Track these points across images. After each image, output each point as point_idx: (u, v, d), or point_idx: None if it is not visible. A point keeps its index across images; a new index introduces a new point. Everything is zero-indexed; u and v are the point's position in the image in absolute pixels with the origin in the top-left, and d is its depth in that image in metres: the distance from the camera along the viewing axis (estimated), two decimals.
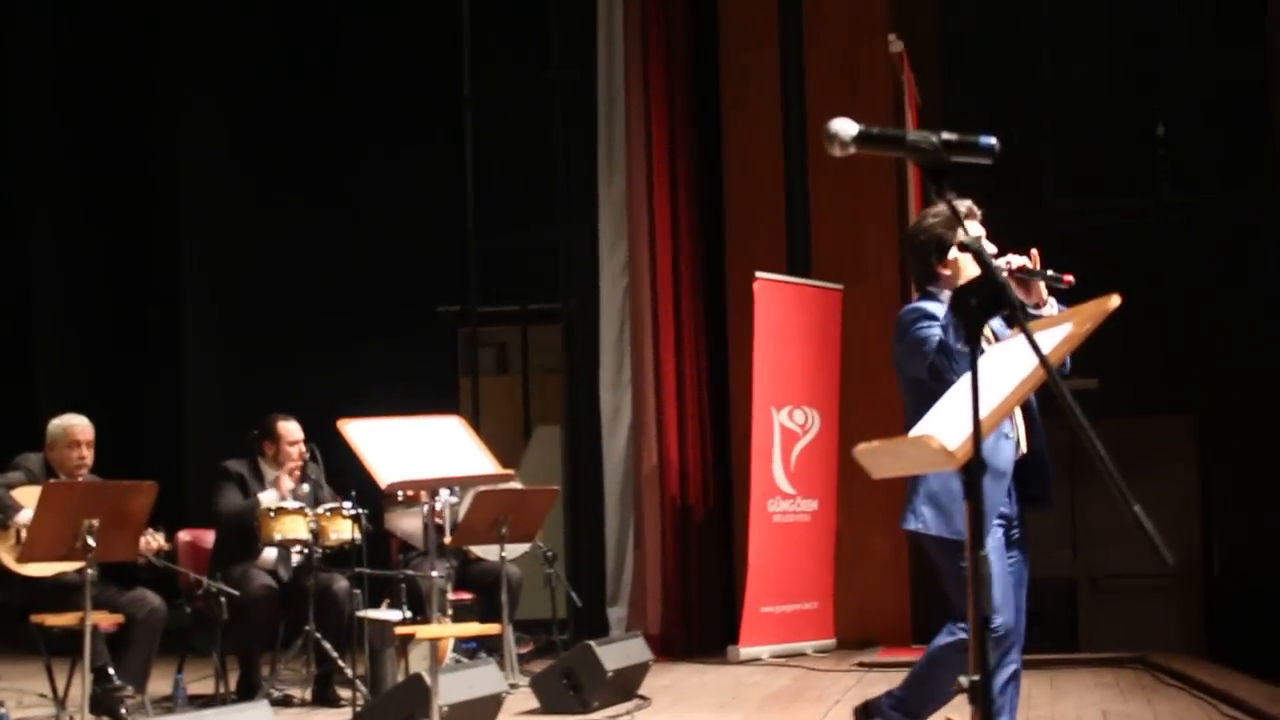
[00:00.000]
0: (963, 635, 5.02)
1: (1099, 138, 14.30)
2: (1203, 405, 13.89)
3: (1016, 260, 4.85)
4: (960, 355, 4.63)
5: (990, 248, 4.74)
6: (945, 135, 2.88)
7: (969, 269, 4.88)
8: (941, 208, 4.91)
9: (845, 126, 2.94)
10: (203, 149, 13.76)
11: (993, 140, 2.92)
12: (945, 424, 3.15)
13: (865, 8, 11.47)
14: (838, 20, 11.46)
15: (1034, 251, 4.89)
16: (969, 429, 2.90)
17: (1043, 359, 2.75)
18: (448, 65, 12.77)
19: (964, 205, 4.90)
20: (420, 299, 13.85)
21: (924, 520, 5.03)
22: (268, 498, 8.51)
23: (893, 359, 5.17)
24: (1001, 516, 5.01)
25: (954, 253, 4.98)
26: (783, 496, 10.65)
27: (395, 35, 13.47)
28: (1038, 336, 3.20)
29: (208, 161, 13.76)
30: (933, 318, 4.95)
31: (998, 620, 4.79)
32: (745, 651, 10.38)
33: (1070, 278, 4.80)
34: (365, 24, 13.37)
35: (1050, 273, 4.83)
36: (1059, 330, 3.20)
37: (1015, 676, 5.12)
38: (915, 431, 3.30)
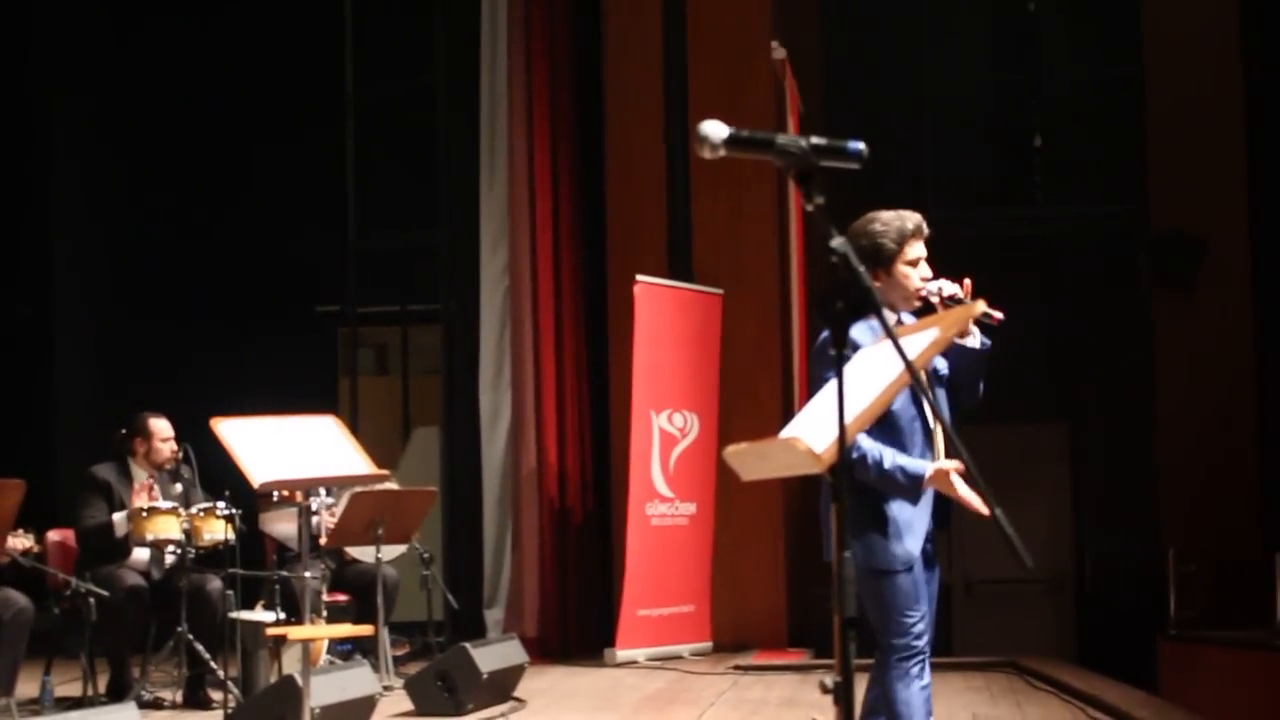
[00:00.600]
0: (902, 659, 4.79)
1: (978, 148, 14.49)
2: (1076, 415, 14.12)
3: (949, 288, 4.83)
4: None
5: (926, 271, 4.88)
6: (814, 139, 2.91)
7: (902, 286, 4.86)
8: (890, 217, 4.90)
9: (716, 129, 2.96)
10: (76, 146, 13.56)
11: (861, 145, 2.95)
12: (812, 427, 3.18)
13: (748, 16, 11.54)
14: (721, 27, 11.51)
15: (967, 282, 4.86)
16: (835, 432, 2.93)
17: (908, 364, 2.79)
18: (330, 64, 12.68)
19: (913, 220, 4.90)
20: (300, 299, 13.75)
21: (858, 550, 4.60)
22: (120, 520, 8.41)
23: (810, 372, 4.85)
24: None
25: (902, 267, 4.86)
26: (661, 500, 10.68)
27: (277, 33, 13.35)
28: (905, 341, 3.25)
29: (81, 159, 13.56)
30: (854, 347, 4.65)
31: (924, 638, 4.78)
32: (622, 654, 10.41)
33: (1000, 315, 4.72)
34: (246, 21, 13.23)
35: (982, 307, 4.59)
36: (925, 335, 3.24)
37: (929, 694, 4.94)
38: (784, 434, 3.33)
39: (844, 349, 2.81)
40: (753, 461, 3.40)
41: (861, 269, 2.76)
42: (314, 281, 13.56)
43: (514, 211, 11.24)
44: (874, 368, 3.23)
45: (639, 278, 10.55)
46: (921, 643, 4.78)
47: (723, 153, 2.96)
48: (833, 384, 2.97)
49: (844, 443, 2.74)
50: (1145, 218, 13.45)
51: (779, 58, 11.03)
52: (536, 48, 11.28)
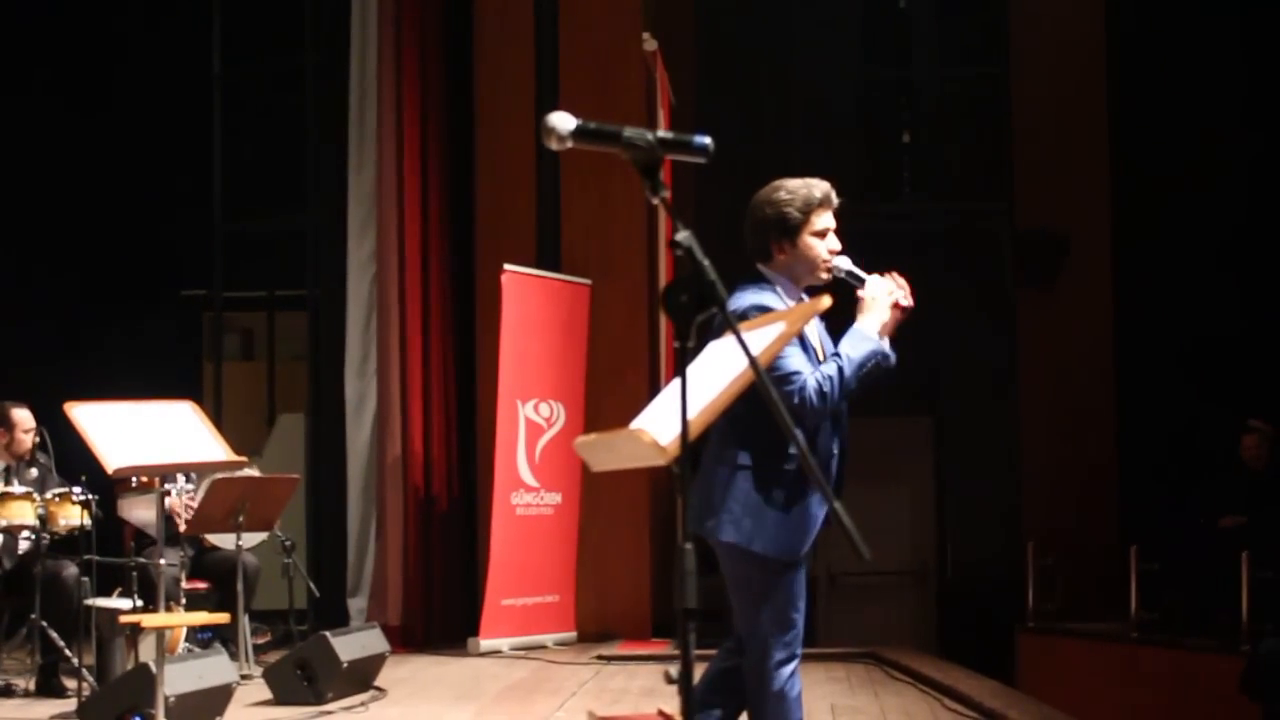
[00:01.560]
0: (778, 655, 4.61)
1: (848, 143, 14.64)
2: (939, 408, 14.31)
3: (846, 264, 4.68)
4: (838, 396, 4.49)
5: (835, 243, 4.68)
6: (660, 133, 2.94)
7: (808, 258, 4.64)
8: (796, 185, 4.69)
9: (562, 120, 2.98)
10: None
11: (707, 140, 2.98)
12: (659, 419, 3.21)
13: (620, 6, 11.56)
14: (594, 17, 11.54)
15: (898, 280, 4.70)
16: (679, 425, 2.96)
17: (752, 359, 2.82)
18: (197, 42, 12.52)
19: (821, 189, 4.69)
20: (165, 281, 13.59)
21: (743, 532, 4.52)
22: None
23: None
24: None
25: (808, 239, 4.64)
26: (526, 489, 10.69)
27: (145, 9, 13.19)
28: (751, 335, 3.29)
29: None
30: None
31: (798, 636, 4.63)
32: (485, 644, 10.40)
33: (908, 302, 4.68)
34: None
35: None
36: (771, 329, 3.28)
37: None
38: (634, 425, 3.35)
39: (686, 340, 2.84)
40: (601, 452, 3.43)
41: (706, 262, 2.79)
42: (179, 264, 13.41)
43: (382, 196, 11.19)
44: (722, 361, 3.26)
45: (507, 266, 10.55)
46: (799, 647, 4.65)
47: (569, 144, 2.98)
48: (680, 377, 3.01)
49: (686, 438, 2.77)
50: (1010, 215, 13.67)
51: (650, 49, 11.07)
52: (408, 31, 11.22)
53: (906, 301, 4.67)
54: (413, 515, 11.03)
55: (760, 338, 3.25)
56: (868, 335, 4.57)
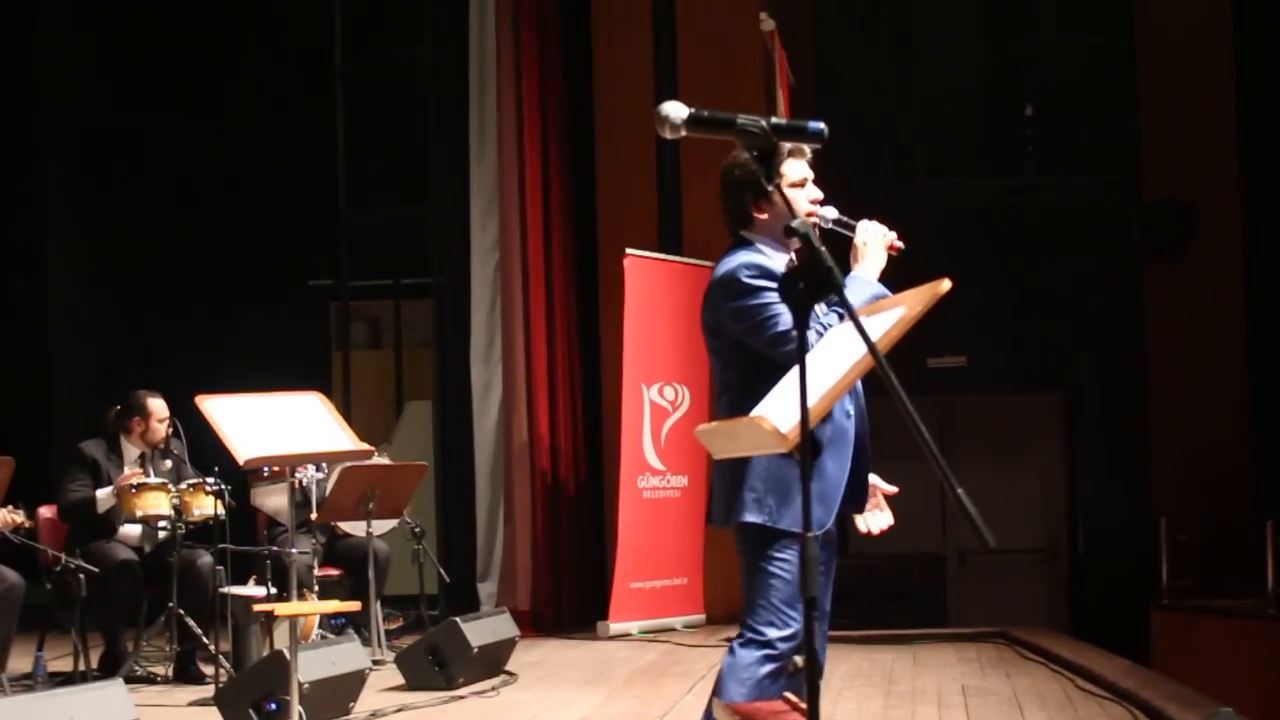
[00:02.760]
0: (770, 648, 4.34)
1: (970, 119, 14.50)
2: (1069, 383, 14.15)
3: (832, 212, 4.44)
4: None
5: (816, 192, 4.46)
6: (775, 119, 2.93)
7: (789, 213, 4.28)
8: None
9: (675, 109, 2.99)
10: (70, 116, 13.56)
11: (821, 125, 2.97)
12: (779, 406, 3.21)
13: None
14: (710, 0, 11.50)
15: (893, 236, 4.42)
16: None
17: (871, 346, 2.81)
18: (319, 35, 12.66)
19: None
20: (292, 272, 13.77)
21: (767, 510, 4.33)
22: (103, 496, 8.43)
23: (710, 318, 4.48)
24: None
25: (791, 192, 4.37)
26: (653, 473, 10.71)
27: (266, 5, 13.37)
28: (872, 320, 3.28)
29: (76, 135, 13.56)
30: (773, 278, 4.29)
31: (797, 641, 4.27)
32: (615, 627, 10.45)
33: (900, 244, 4.43)
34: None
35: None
36: (891, 314, 3.26)
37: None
38: (755, 413, 3.35)
39: (805, 329, 2.83)
40: (722, 440, 3.44)
41: (822, 249, 2.78)
42: (306, 255, 13.58)
43: (503, 184, 11.25)
44: (840, 346, 3.25)
45: (629, 251, 10.57)
46: (792, 645, 4.26)
47: (684, 133, 2.99)
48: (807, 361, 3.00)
49: (806, 425, 2.77)
50: (1138, 186, 13.48)
51: (768, 29, 11.01)
52: (525, 19, 11.27)
53: (899, 243, 4.42)
54: (540, 500, 11.09)
55: (880, 323, 3.23)
56: (868, 280, 4.32)
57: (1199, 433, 12.95)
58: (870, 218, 4.47)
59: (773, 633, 4.33)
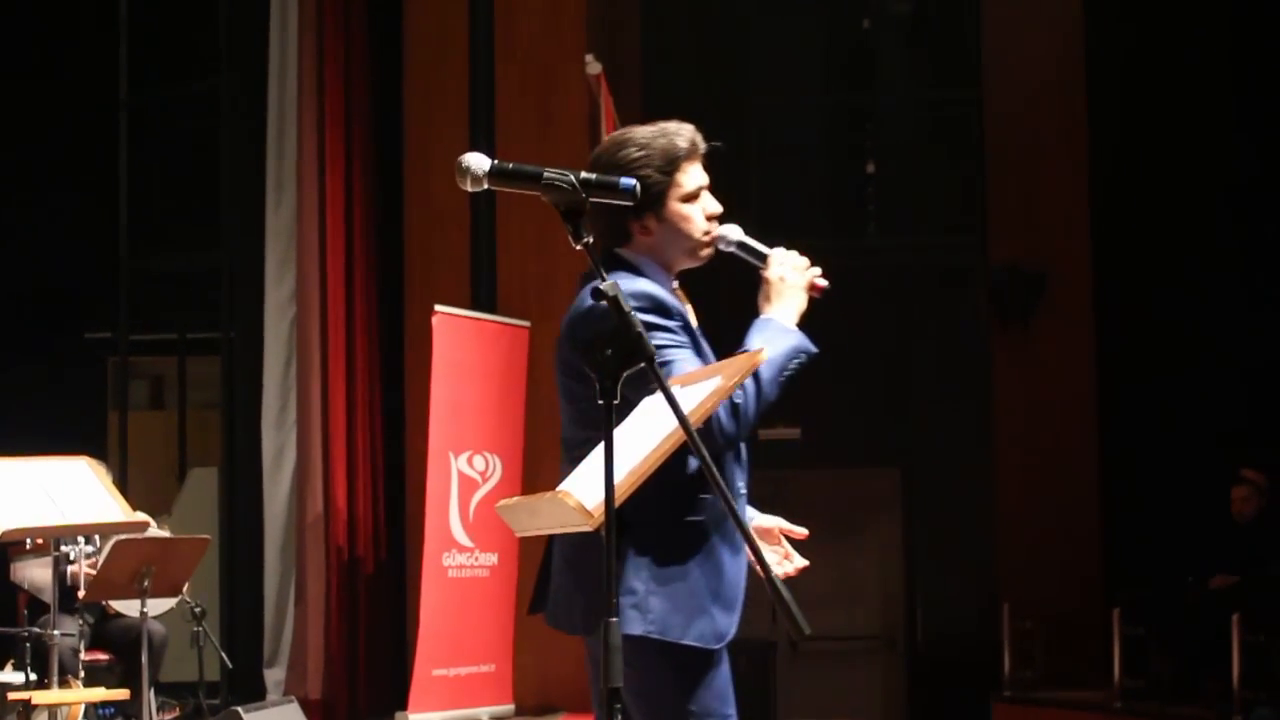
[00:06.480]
0: None
1: (808, 173, 14.70)
2: (909, 459, 14.35)
3: (736, 233, 3.92)
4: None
5: (715, 205, 3.93)
6: (584, 174, 2.95)
7: (682, 232, 3.83)
8: (649, 134, 3.92)
9: (477, 161, 3.01)
10: None
11: (633, 182, 3.00)
12: (586, 481, 3.22)
13: (562, 26, 11.58)
14: (532, 39, 11.56)
15: (816, 271, 3.98)
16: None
17: (682, 419, 2.84)
18: (103, 65, 12.51)
19: (685, 135, 3.97)
20: (66, 323, 13.54)
21: (654, 618, 3.67)
22: None
23: (569, 356, 4.06)
24: None
25: (677, 205, 3.84)
26: (460, 550, 10.65)
27: (45, 29, 13.17)
28: (686, 390, 3.31)
29: None
30: (670, 315, 3.76)
31: None
32: (415, 718, 10.35)
33: (824, 283, 3.95)
34: (11, 15, 13.03)
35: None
36: (706, 385, 3.29)
37: None
38: (560, 487, 3.36)
39: (614, 399, 2.85)
40: (524, 516, 3.44)
41: (631, 313, 2.80)
42: (81, 305, 13.37)
43: (302, 233, 11.19)
44: (651, 420, 3.27)
45: (438, 308, 10.53)
46: None
47: (485, 185, 3.00)
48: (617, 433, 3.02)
49: (611, 503, 2.79)
50: (983, 251, 13.75)
51: (594, 72, 11.11)
52: (330, 55, 11.24)
53: (822, 281, 3.93)
54: (335, 578, 10.99)
55: (693, 394, 3.26)
56: (785, 328, 3.77)
57: (1045, 514, 13.19)
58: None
59: None
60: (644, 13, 14.18)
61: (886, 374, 13.96)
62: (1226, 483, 11.17)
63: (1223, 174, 13.03)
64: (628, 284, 3.65)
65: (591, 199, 2.95)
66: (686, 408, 3.03)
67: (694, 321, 3.89)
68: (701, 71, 14.24)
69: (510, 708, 11.01)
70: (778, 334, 3.74)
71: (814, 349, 3.81)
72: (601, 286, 2.79)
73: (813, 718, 13.18)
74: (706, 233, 3.85)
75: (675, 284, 3.92)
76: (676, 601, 3.65)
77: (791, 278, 3.85)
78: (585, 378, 3.61)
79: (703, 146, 3.93)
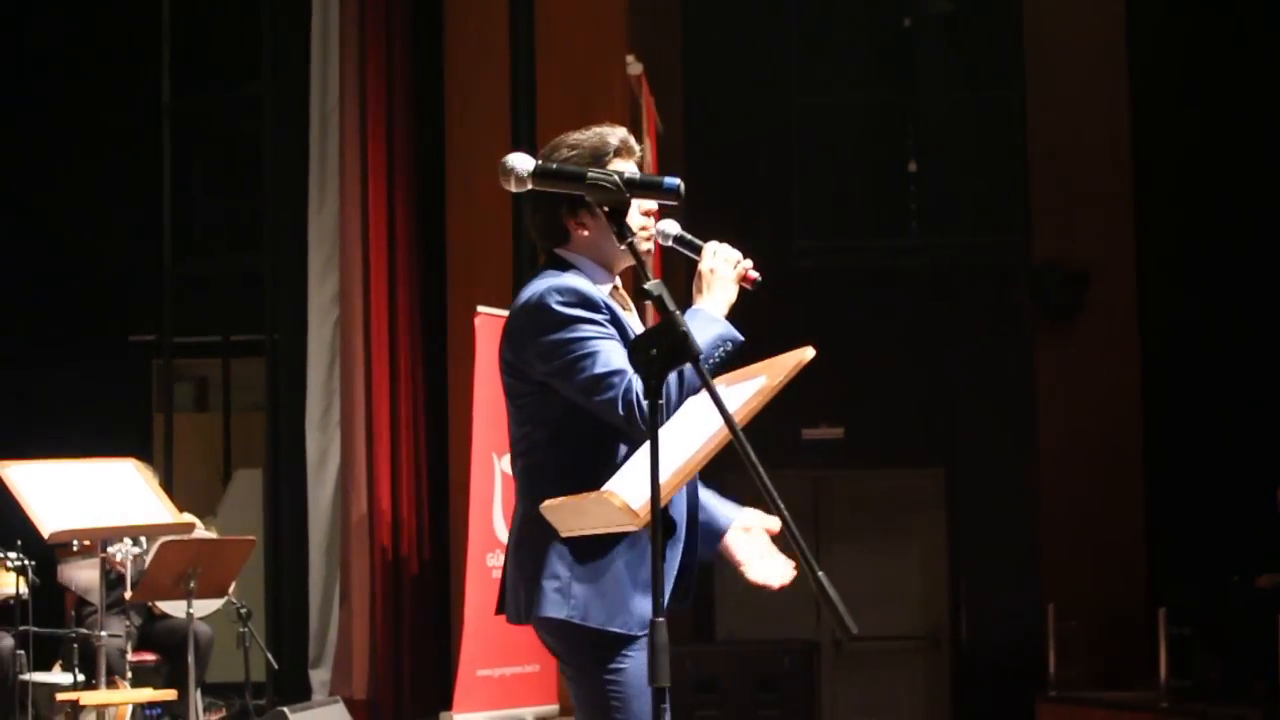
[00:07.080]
0: None
1: (850, 172, 14.66)
2: (953, 458, 14.32)
3: (673, 228, 4.00)
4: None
5: (649, 204, 3.91)
6: (628, 174, 2.96)
7: (609, 231, 3.70)
8: (582, 135, 4.11)
9: (521, 161, 3.01)
10: None
11: (677, 181, 3.00)
12: (632, 481, 3.23)
13: (603, 26, 11.59)
14: (572, 40, 11.57)
15: (748, 263, 3.97)
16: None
17: (727, 418, 2.85)
18: (145, 69, 12.56)
19: (617, 135, 4.11)
20: (111, 327, 13.60)
21: (577, 605, 3.91)
22: None
23: (510, 355, 3.99)
24: None
25: (634, 207, 3.73)
26: (503, 550, 10.65)
27: (88, 33, 13.23)
28: (730, 390, 3.32)
29: None
30: (593, 307, 3.85)
31: None
32: (459, 718, 10.36)
33: (756, 275, 3.99)
34: (55, 20, 13.10)
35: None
36: (751, 385, 3.30)
37: None
38: (605, 487, 3.37)
39: (659, 398, 2.86)
40: (570, 517, 3.45)
41: (676, 312, 2.81)
42: (127, 308, 13.42)
43: (345, 235, 11.21)
44: (697, 419, 3.28)
45: (481, 308, 10.54)
46: None
47: (529, 186, 3.00)
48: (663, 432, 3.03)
49: (657, 502, 2.80)
50: (1027, 248, 13.72)
51: (635, 73, 11.12)
52: (371, 56, 11.25)
53: (754, 274, 3.99)
54: (380, 579, 11.00)
55: (738, 394, 3.27)
56: (713, 317, 3.84)
57: (1089, 514, 13.16)
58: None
59: None
60: (685, 13, 14.19)
61: (930, 373, 13.93)
62: (1273, 481, 11.11)
63: (1267, 170, 12.96)
64: (554, 279, 3.88)
65: (635, 197, 2.95)
66: (732, 407, 3.04)
67: (636, 322, 4.01)
68: (742, 71, 14.22)
69: (555, 708, 11.01)
70: (705, 323, 3.80)
71: (740, 337, 3.86)
72: (647, 286, 2.79)
73: (857, 717, 13.17)
74: (643, 228, 3.92)
75: (617, 283, 4.06)
76: (600, 588, 3.83)
77: (722, 270, 3.94)
78: (523, 374, 3.92)
79: (636, 149, 4.06)
